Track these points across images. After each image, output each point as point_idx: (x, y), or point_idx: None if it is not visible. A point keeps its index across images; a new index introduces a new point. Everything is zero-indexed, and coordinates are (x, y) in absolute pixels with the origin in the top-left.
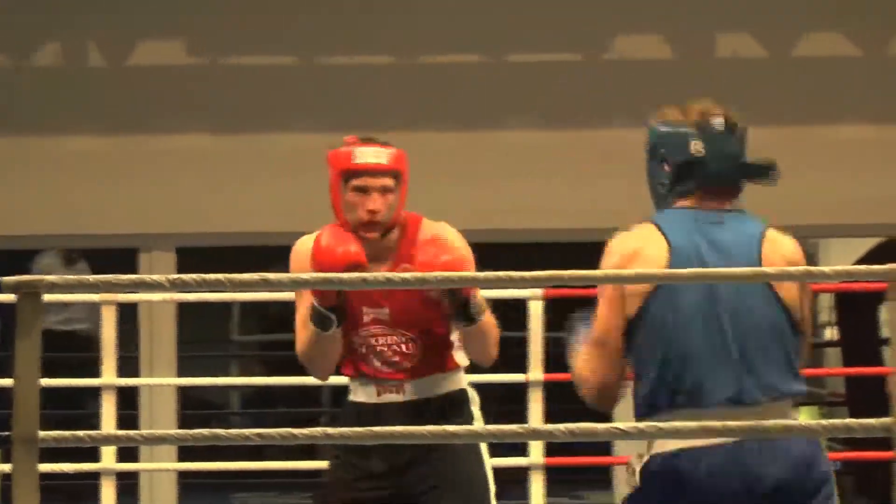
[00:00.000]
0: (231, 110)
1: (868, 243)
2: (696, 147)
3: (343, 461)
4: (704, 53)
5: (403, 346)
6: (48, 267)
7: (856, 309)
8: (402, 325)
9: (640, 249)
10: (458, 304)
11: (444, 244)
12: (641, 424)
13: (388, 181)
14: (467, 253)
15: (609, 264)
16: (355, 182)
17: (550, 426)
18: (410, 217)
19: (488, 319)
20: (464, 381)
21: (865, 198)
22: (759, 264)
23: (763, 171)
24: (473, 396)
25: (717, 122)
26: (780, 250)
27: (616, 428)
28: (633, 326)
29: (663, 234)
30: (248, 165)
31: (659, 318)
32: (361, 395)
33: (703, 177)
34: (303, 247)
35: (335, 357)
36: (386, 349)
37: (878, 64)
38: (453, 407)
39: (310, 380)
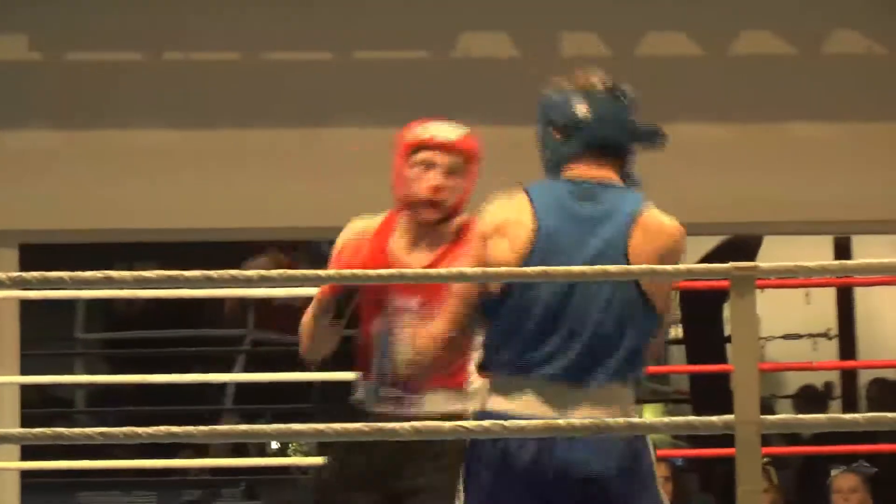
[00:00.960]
0: (74, 106)
1: (712, 242)
2: (582, 109)
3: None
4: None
5: None
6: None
7: (700, 307)
8: None
9: (508, 223)
10: None
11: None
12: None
13: (456, 161)
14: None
15: (480, 232)
16: (422, 155)
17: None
18: (471, 219)
19: None
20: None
21: (712, 197)
22: (625, 250)
23: (649, 136)
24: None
25: (603, 85)
26: (651, 238)
27: (461, 426)
28: (494, 297)
29: (533, 210)
30: (93, 162)
31: (515, 294)
32: None
33: (589, 139)
34: (355, 228)
35: (328, 346)
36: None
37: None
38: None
39: (155, 378)
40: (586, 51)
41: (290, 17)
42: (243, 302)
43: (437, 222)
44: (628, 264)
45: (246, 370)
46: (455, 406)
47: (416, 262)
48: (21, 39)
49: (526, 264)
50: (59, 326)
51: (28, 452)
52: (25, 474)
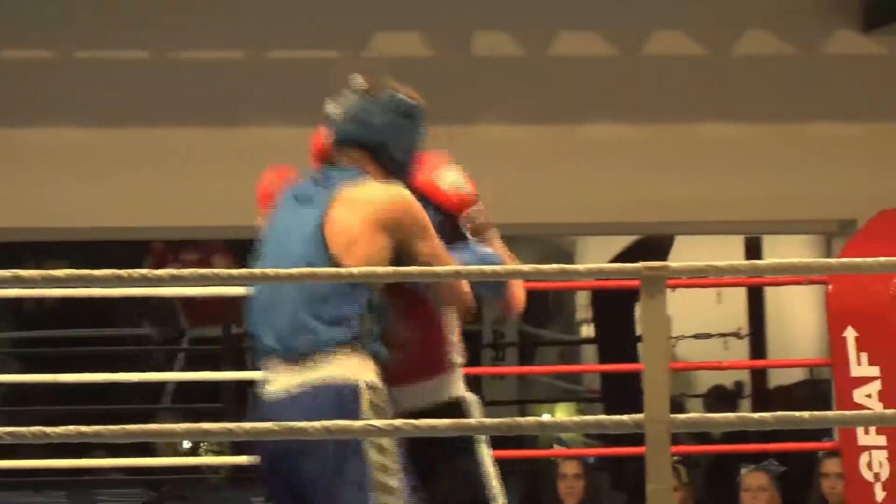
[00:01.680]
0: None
1: (624, 241)
2: (330, 108)
3: None
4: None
5: None
6: None
7: (611, 306)
8: None
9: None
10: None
11: None
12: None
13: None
14: None
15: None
16: None
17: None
18: None
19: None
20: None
21: (621, 197)
22: (321, 220)
23: (401, 134)
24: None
25: (354, 83)
26: (354, 209)
27: (371, 426)
28: None
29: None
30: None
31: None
32: None
33: (336, 133)
34: None
35: None
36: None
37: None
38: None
39: (67, 377)
40: (498, 51)
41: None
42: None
43: None
44: (323, 235)
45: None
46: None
47: None
48: None
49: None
50: None
51: None
52: None
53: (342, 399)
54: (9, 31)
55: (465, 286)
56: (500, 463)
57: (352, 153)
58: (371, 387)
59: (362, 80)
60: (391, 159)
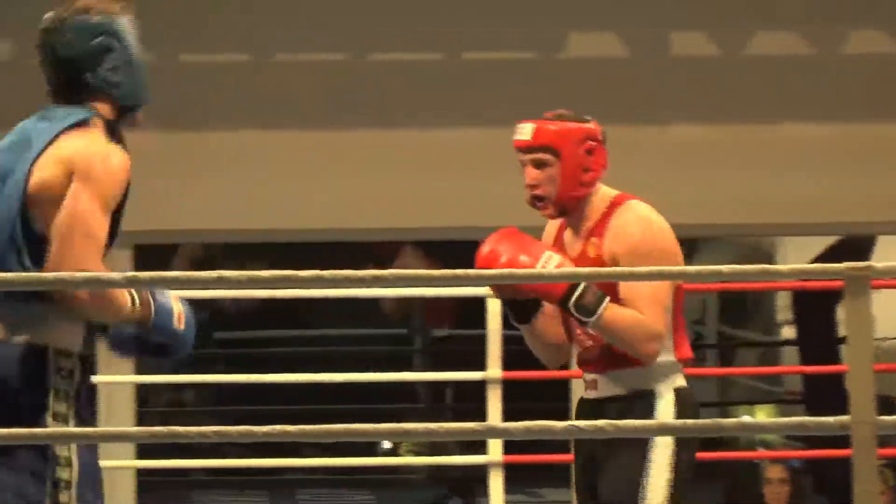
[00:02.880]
0: (184, 108)
1: (825, 242)
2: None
3: None
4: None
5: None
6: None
7: (813, 307)
8: None
9: None
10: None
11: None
12: (600, 423)
13: (541, 155)
14: (648, 239)
15: None
16: (518, 159)
17: (508, 424)
18: (617, 198)
19: (611, 316)
20: (659, 378)
21: (823, 196)
22: (27, 176)
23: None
24: (668, 398)
25: (46, 18)
26: (67, 157)
27: (573, 426)
28: None
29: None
30: (197, 162)
31: None
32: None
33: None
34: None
35: (547, 348)
36: (580, 334)
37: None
38: (634, 410)
39: (274, 377)
40: (694, 51)
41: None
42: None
43: (563, 213)
44: (26, 189)
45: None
46: (636, 386)
47: (572, 251)
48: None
49: None
50: None
51: (144, 451)
52: (141, 473)
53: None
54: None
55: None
56: (702, 465)
57: (57, 94)
58: (61, 352)
59: (49, 14)
60: (103, 89)
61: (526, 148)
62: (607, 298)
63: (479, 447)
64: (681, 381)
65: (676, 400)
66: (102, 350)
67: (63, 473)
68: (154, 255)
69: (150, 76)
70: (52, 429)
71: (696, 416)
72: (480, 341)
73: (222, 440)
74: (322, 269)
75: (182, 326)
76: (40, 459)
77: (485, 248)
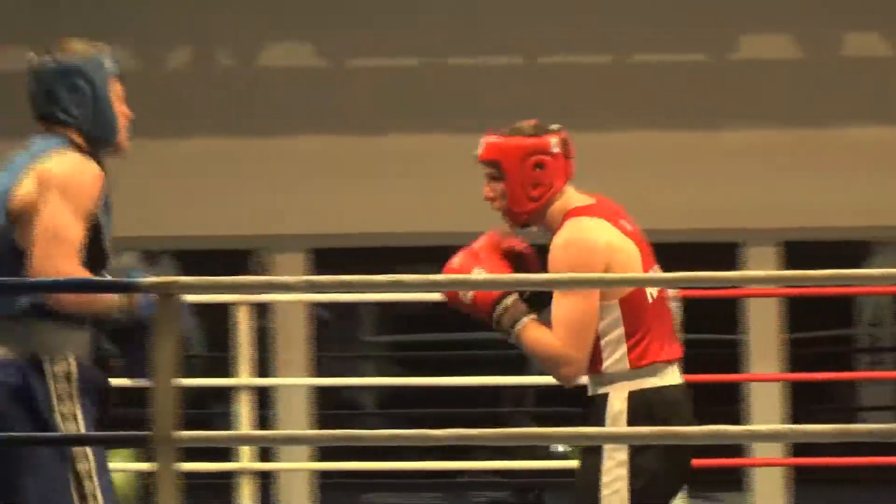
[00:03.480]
0: (353, 112)
1: None
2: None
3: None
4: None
5: None
6: (128, 265)
7: None
8: None
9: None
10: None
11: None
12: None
13: (490, 170)
14: (561, 260)
15: None
16: None
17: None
18: (569, 212)
19: (527, 338)
20: (611, 384)
21: None
22: (8, 197)
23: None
24: (618, 403)
25: (30, 58)
26: (41, 173)
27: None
28: None
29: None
30: (374, 166)
31: None
32: None
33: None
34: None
35: None
36: None
37: None
38: (590, 415)
39: (444, 380)
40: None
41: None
42: None
43: (524, 225)
44: (8, 208)
45: None
46: (595, 391)
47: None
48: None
49: None
50: (346, 329)
51: (319, 453)
52: (318, 474)
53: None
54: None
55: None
56: (879, 470)
57: (41, 124)
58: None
59: (33, 54)
60: (72, 124)
61: (481, 162)
62: (524, 319)
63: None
64: (639, 385)
65: (629, 405)
66: (279, 357)
67: (82, 465)
68: (331, 258)
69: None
70: (229, 433)
71: (655, 422)
72: None
73: (399, 444)
74: None
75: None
76: (58, 458)
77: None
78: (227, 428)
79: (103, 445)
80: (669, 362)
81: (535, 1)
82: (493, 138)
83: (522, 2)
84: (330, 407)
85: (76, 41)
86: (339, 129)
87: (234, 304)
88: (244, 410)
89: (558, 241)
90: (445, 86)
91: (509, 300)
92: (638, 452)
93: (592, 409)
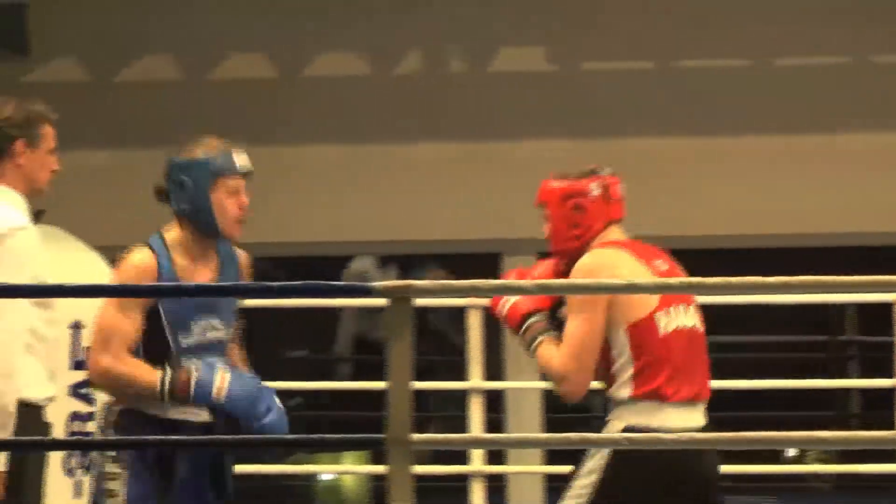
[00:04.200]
0: (588, 115)
1: None
2: None
3: None
4: None
5: None
6: (361, 270)
7: None
8: None
9: None
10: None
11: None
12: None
13: (543, 211)
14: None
15: None
16: None
17: None
18: (598, 244)
19: (538, 355)
20: (614, 410)
21: None
22: None
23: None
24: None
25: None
26: None
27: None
28: None
29: None
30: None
31: None
32: None
33: None
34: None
35: None
36: None
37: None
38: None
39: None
40: None
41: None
42: None
43: (569, 261)
44: None
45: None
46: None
47: None
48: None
49: None
50: None
51: (551, 456)
52: (549, 478)
53: None
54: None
55: None
56: None
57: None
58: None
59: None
60: (180, 213)
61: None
62: (540, 337)
63: (887, 456)
64: (637, 419)
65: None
66: (509, 360)
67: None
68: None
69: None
70: (461, 436)
71: (639, 462)
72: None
73: (626, 447)
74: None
75: (221, 397)
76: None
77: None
78: (458, 431)
79: (340, 448)
80: (678, 402)
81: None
82: (545, 182)
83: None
84: (561, 410)
85: (209, 140)
86: (573, 132)
87: (466, 307)
88: (476, 413)
89: (577, 266)
90: (681, 89)
91: (534, 318)
92: (610, 474)
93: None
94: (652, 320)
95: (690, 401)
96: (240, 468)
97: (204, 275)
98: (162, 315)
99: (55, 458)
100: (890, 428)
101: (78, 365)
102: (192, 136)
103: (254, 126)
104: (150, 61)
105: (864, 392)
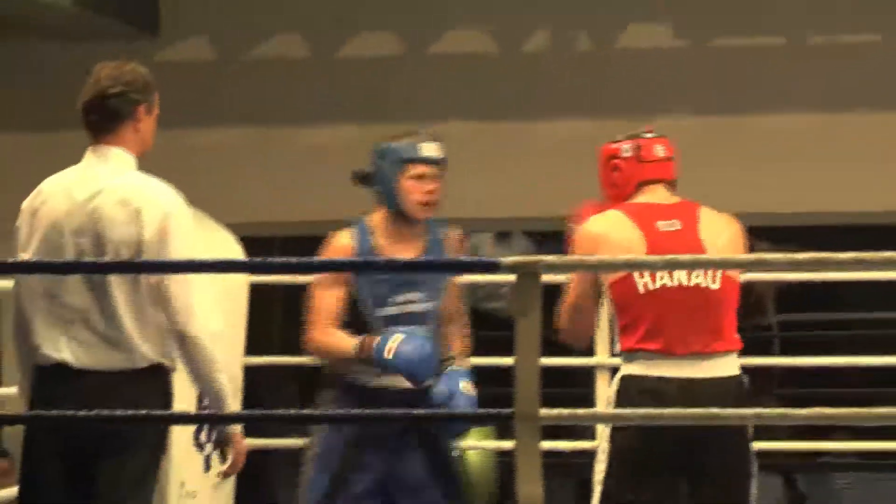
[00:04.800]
0: (718, 92)
1: None
2: None
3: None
4: None
5: None
6: (478, 244)
7: None
8: None
9: None
10: None
11: None
12: None
13: None
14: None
15: None
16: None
17: None
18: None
19: None
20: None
21: None
22: None
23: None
24: (613, 384)
25: None
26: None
27: None
28: None
29: None
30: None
31: None
32: None
33: None
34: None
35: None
36: None
37: None
38: None
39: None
40: None
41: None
42: None
43: None
44: None
45: None
46: None
47: None
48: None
49: None
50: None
51: None
52: None
53: None
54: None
55: None
56: None
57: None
58: None
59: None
60: (378, 197)
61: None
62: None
63: None
64: (630, 370)
65: (619, 387)
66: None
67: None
68: None
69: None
70: (591, 411)
71: (638, 405)
72: None
73: (765, 422)
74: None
75: (391, 356)
76: None
77: None
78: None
79: (470, 423)
80: (665, 354)
81: None
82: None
83: None
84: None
85: (403, 131)
86: (703, 109)
87: None
88: (602, 389)
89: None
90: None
91: None
92: (616, 433)
93: None
94: (630, 278)
95: (694, 354)
96: None
97: (406, 255)
98: (359, 290)
99: (185, 432)
100: None
101: None
102: (320, 115)
103: (382, 104)
104: (279, 40)
105: None
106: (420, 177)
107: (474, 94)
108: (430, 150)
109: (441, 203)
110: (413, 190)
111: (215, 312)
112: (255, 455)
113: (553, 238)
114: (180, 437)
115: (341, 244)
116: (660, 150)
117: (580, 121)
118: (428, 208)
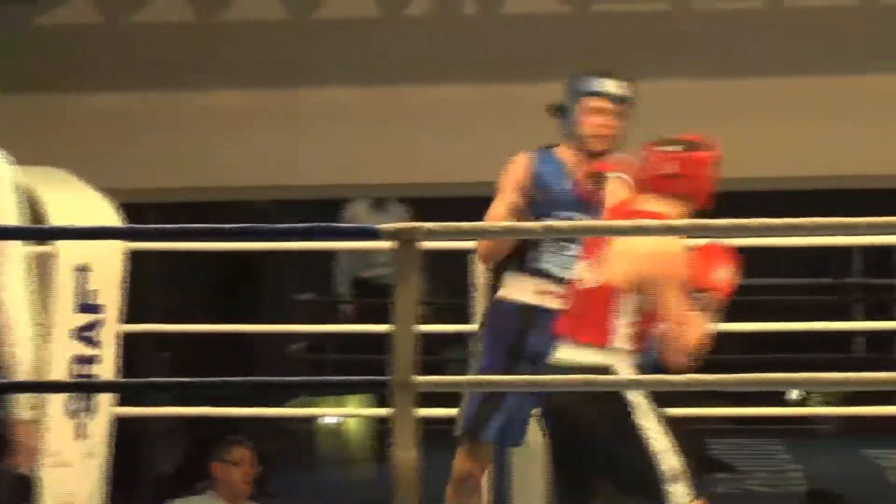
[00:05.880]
0: (601, 58)
1: None
2: None
3: None
4: None
5: None
6: (357, 214)
7: None
8: None
9: None
10: None
11: None
12: None
13: None
14: None
15: None
16: None
17: None
18: None
19: None
20: None
21: None
22: None
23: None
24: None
25: None
26: None
27: None
28: None
29: None
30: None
31: None
32: None
33: None
34: None
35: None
36: None
37: None
38: None
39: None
40: None
41: None
42: None
43: None
44: None
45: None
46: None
47: None
48: None
49: None
50: None
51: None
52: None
53: None
54: None
55: None
56: None
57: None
58: None
59: None
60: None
61: None
62: None
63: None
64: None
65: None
66: None
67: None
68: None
69: None
70: (467, 377)
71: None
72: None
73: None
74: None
75: None
76: None
77: None
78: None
79: (343, 391)
80: (581, 343)
81: None
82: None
83: None
84: None
85: (592, 69)
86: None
87: (472, 250)
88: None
89: None
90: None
91: None
92: None
93: None
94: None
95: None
96: (241, 411)
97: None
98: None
99: (57, 400)
100: (894, 369)
101: (83, 308)
102: (204, 79)
103: (265, 69)
104: (160, 3)
105: (869, 334)
106: (598, 111)
107: (357, 59)
108: (610, 86)
109: (620, 139)
110: (588, 122)
111: (20, 281)
112: (130, 423)
113: (430, 204)
114: (51, 407)
115: (519, 160)
116: None
117: (461, 86)
118: (600, 140)
